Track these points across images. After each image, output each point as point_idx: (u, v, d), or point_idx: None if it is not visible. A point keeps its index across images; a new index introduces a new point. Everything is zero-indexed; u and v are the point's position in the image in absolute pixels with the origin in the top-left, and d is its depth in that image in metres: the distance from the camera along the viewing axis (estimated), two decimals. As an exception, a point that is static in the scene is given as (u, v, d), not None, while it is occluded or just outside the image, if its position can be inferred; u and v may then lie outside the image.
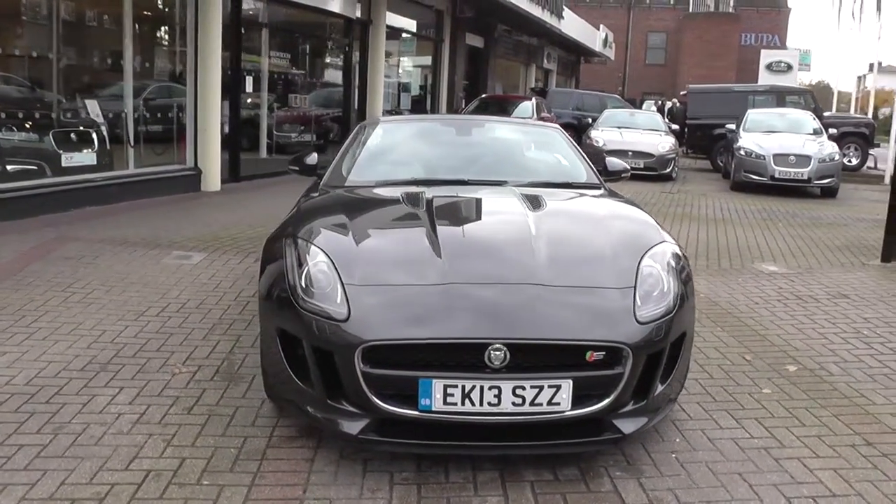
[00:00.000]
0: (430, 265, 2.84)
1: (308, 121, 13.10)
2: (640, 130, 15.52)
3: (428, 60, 17.88)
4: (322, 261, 2.87)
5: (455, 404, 2.57)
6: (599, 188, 4.12)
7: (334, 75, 14.08)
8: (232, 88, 9.75)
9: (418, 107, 17.90)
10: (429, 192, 3.62)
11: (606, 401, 2.68)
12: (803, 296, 5.47)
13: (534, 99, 17.29)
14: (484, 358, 2.56)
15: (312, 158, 4.26)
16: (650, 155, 13.98)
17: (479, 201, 3.65)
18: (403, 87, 17.69)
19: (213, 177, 9.26)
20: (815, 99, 18.49)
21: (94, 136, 8.03)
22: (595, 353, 2.66)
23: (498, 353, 2.56)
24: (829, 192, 11.84)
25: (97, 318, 4.42)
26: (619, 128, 15.60)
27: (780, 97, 18.73)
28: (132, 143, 8.60)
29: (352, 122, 13.79)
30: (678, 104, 30.08)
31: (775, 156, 11.62)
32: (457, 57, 17.79)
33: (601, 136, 14.97)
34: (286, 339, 2.82)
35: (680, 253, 3.25)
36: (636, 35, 46.44)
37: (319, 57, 13.90)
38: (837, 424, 3.35)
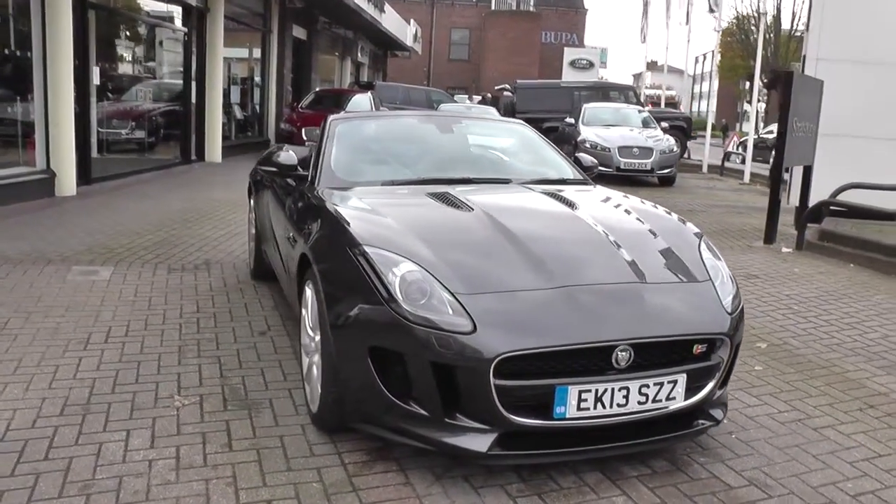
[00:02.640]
0: (528, 269, 2.72)
1: (142, 115, 11.98)
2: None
3: (256, 52, 17.02)
4: (412, 269, 2.63)
5: (588, 409, 2.51)
6: (589, 183, 4.20)
7: (172, 67, 12.98)
8: (80, 80, 8.60)
9: (247, 100, 17.02)
10: (453, 192, 3.47)
11: (706, 390, 2.75)
12: (721, 276, 5.97)
13: (370, 93, 17.13)
14: (611, 360, 2.53)
15: (290, 158, 3.89)
16: (497, 148, 14.43)
17: (521, 200, 3.54)
18: (233, 80, 16.72)
19: (68, 180, 8.14)
20: (636, 94, 20.19)
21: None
22: (700, 346, 2.72)
23: (624, 353, 2.53)
24: (667, 181, 12.99)
25: (38, 352, 3.73)
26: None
27: (603, 93, 20.23)
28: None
29: (192, 115, 12.80)
30: (489, 97, 31.49)
31: (620, 148, 12.52)
32: (285, 49, 17.12)
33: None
34: (379, 359, 2.58)
35: None
36: (440, 31, 47.67)
37: (155, 47, 12.73)
38: (835, 392, 3.70)
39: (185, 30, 12.44)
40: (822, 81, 7.76)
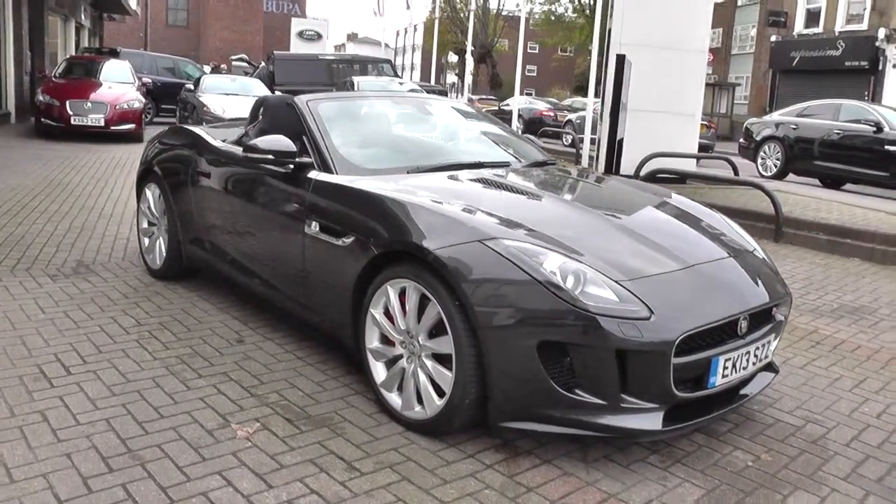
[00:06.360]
0: (652, 251, 2.80)
1: None
2: (249, 96, 15.18)
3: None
4: (565, 260, 2.58)
5: (728, 375, 2.72)
6: (554, 163, 4.34)
7: None
8: None
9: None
10: (491, 177, 3.42)
11: (775, 344, 3.11)
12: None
13: (127, 61, 15.35)
14: (736, 329, 2.75)
15: (283, 142, 3.43)
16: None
17: (570, 184, 3.56)
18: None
19: None
20: (393, 67, 20.50)
21: None
22: (776, 308, 3.05)
23: (744, 322, 2.77)
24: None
25: None
26: (226, 94, 14.99)
27: (361, 66, 20.26)
28: None
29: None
30: (225, 68, 29.93)
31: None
32: (21, 6, 14.52)
33: (215, 102, 14.17)
34: (546, 353, 2.51)
35: None
36: (156, -6, 43.82)
37: None
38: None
39: None
40: (631, 63, 8.73)
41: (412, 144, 3.87)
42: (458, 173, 3.49)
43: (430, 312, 2.73)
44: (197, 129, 4.55)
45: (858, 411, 3.34)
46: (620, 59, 7.78)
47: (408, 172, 3.47)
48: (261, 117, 4.29)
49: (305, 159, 3.48)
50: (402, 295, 2.85)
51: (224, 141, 4.33)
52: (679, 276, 2.74)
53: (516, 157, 4.05)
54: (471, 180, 3.39)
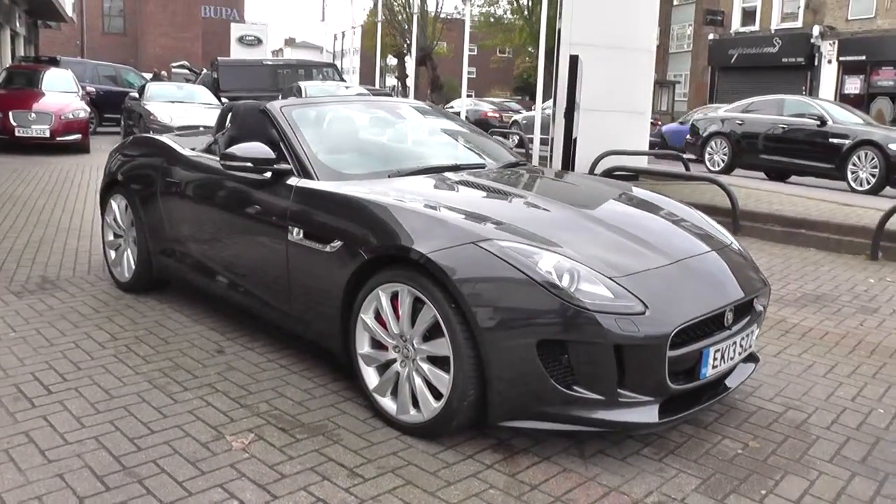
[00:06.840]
0: (639, 247, 2.86)
1: None
2: (195, 104, 14.91)
3: None
4: (559, 259, 2.61)
5: (717, 366, 2.79)
6: (525, 164, 4.39)
7: None
8: None
9: None
10: (472, 180, 3.44)
11: (756, 334, 3.21)
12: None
13: (69, 70, 14.92)
14: (723, 321, 2.84)
15: (261, 149, 3.39)
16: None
17: (549, 184, 3.59)
18: None
19: None
20: (338, 71, 20.34)
21: None
22: (756, 299, 3.15)
23: (730, 314, 2.86)
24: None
25: (-20, 420, 2.84)
26: (172, 102, 14.67)
27: (306, 70, 20.08)
28: None
29: None
30: (166, 75, 29.33)
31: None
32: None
33: (162, 110, 13.85)
34: (544, 352, 2.54)
35: None
36: (91, 1, 42.45)
37: None
38: (750, 324, 4.48)
39: None
40: (582, 62, 8.86)
41: (390, 148, 3.88)
42: (439, 176, 3.50)
43: (424, 315, 2.73)
44: (164, 139, 4.46)
45: (834, 395, 3.47)
46: (574, 60, 7.90)
47: (389, 176, 3.47)
48: (229, 125, 4.23)
49: (284, 166, 3.44)
50: (393, 299, 2.85)
51: (193, 150, 4.26)
52: (668, 270, 2.81)
53: (490, 159, 4.08)
54: (454, 182, 3.41)
